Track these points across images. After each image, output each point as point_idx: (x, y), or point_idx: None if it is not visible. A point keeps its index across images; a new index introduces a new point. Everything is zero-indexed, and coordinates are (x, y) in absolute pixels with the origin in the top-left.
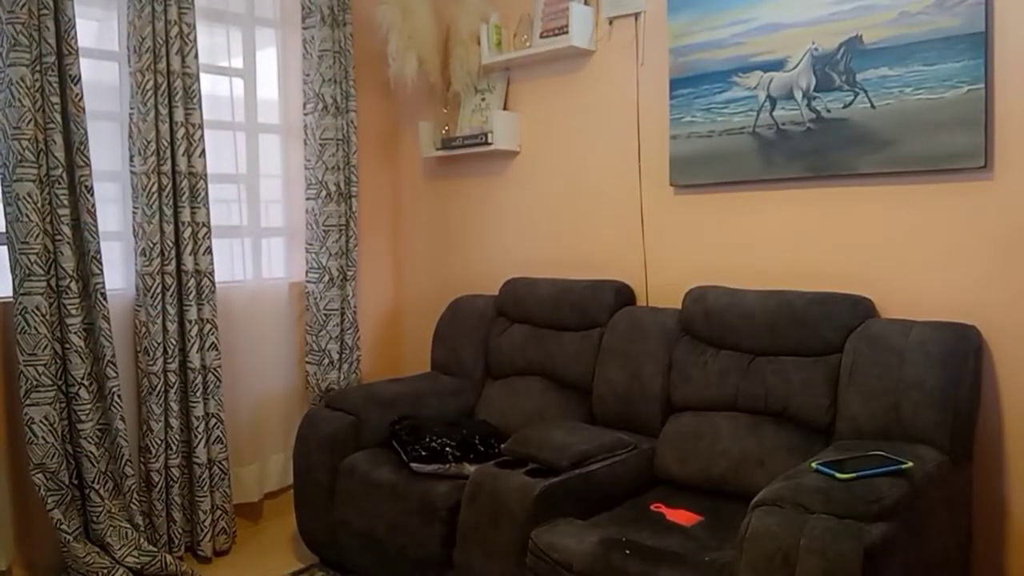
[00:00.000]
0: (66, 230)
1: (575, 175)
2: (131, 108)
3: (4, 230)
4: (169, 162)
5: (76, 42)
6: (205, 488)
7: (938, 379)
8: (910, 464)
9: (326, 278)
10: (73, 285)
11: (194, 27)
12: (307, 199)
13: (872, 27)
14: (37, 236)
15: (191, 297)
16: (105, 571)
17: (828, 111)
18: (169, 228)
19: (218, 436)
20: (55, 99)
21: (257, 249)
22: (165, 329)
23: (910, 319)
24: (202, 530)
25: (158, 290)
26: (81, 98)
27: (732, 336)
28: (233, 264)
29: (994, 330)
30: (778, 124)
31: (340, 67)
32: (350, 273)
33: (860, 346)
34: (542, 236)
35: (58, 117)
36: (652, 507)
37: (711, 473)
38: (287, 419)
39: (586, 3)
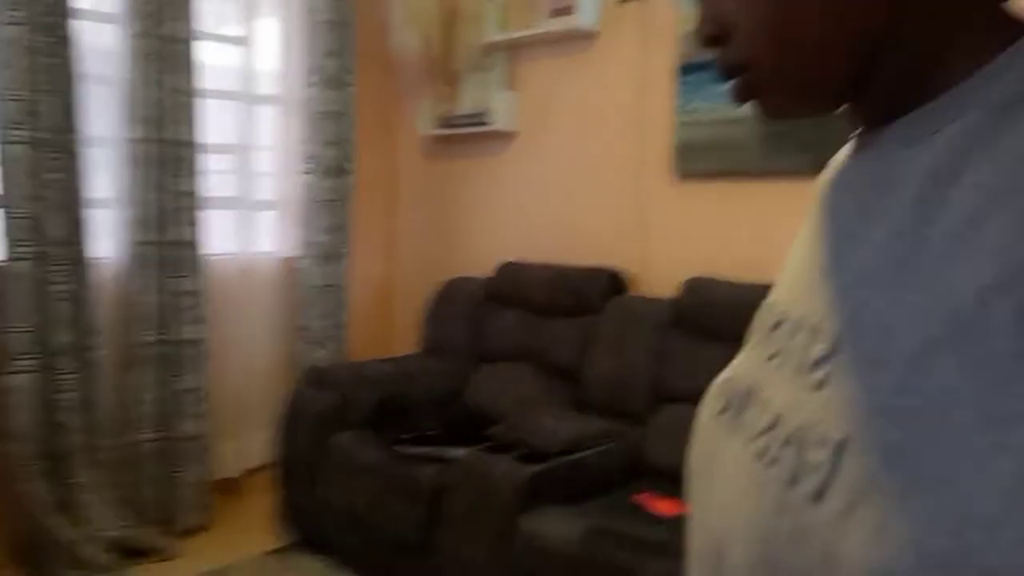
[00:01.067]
0: (54, 195)
1: (575, 158)
2: (127, 73)
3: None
4: (163, 130)
5: (73, 3)
6: (186, 462)
7: None
8: None
9: (317, 254)
10: (59, 251)
11: None
12: (302, 173)
13: None
14: (25, 199)
15: (179, 269)
16: (82, 544)
17: None
18: (160, 197)
19: (201, 410)
20: (50, 60)
21: (249, 222)
22: (152, 300)
23: None
24: (182, 505)
25: (146, 260)
26: (77, 61)
27: (730, 329)
28: (224, 237)
29: None
30: None
31: (341, 39)
32: (342, 250)
33: None
34: (539, 220)
35: (52, 79)
36: (639, 497)
37: None
38: (272, 395)
39: None
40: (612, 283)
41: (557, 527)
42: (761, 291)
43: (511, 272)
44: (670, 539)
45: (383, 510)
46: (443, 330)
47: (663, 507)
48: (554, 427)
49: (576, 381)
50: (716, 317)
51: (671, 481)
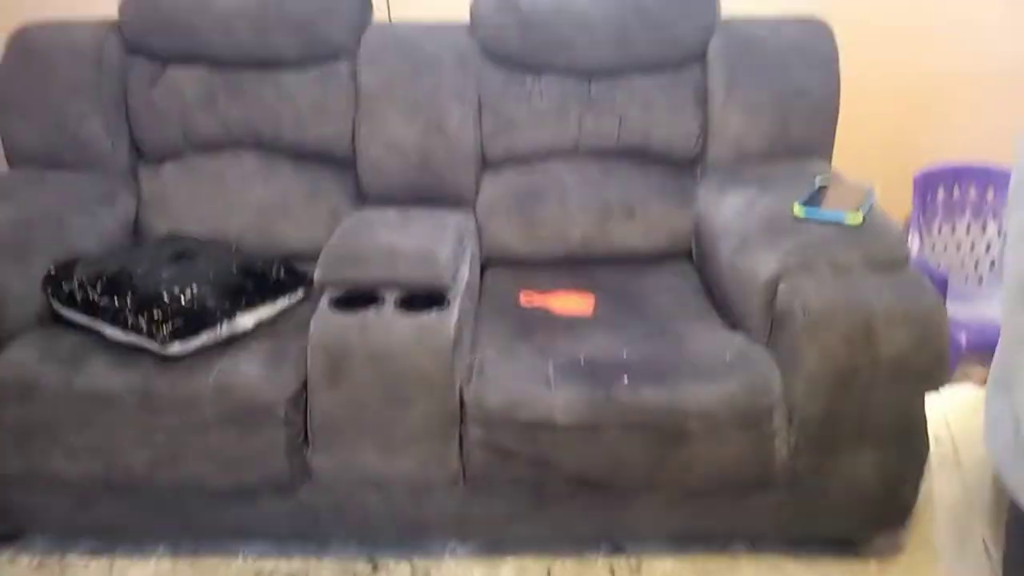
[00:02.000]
0: None
1: None
2: None
3: None
4: None
5: None
6: None
7: (822, 85)
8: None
9: None
10: None
11: None
12: None
13: None
14: None
15: None
16: None
17: None
18: None
19: None
20: None
21: None
22: None
23: (758, 16)
24: None
25: None
26: None
27: (563, 54)
28: None
29: (839, 24)
30: None
31: None
32: None
33: (734, 52)
34: None
35: None
36: (524, 301)
37: (569, 238)
38: None
39: None
40: (362, 4)
41: (523, 384)
42: None
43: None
44: (643, 349)
45: (195, 462)
46: (46, 122)
47: (568, 306)
48: (416, 245)
49: (344, 165)
50: (548, 42)
51: (536, 269)
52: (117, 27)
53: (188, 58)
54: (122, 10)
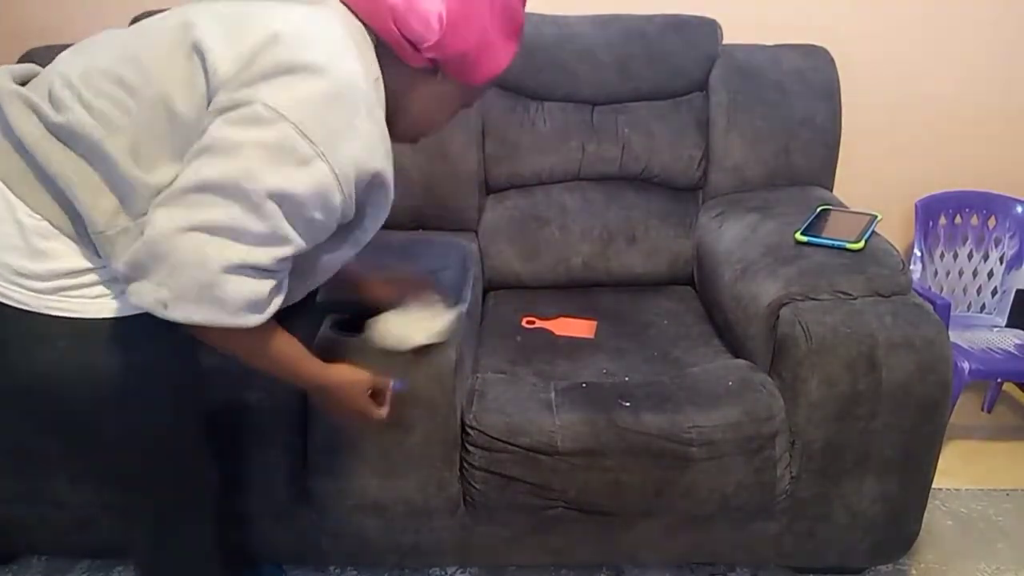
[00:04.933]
0: None
1: None
2: None
3: None
4: None
5: None
6: None
7: (824, 112)
8: (880, 216)
9: None
10: None
11: None
12: None
13: None
14: None
15: None
16: None
17: None
18: None
19: None
20: None
21: None
22: None
23: (761, 43)
24: None
25: None
26: None
27: (566, 82)
28: None
29: (841, 52)
30: None
31: None
32: None
33: (734, 80)
34: None
35: None
36: (525, 323)
37: (571, 263)
38: None
39: None
40: None
41: (522, 408)
42: (599, 25)
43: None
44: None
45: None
46: None
47: (569, 328)
48: (407, 267)
49: None
50: (552, 69)
51: (538, 292)
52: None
53: None
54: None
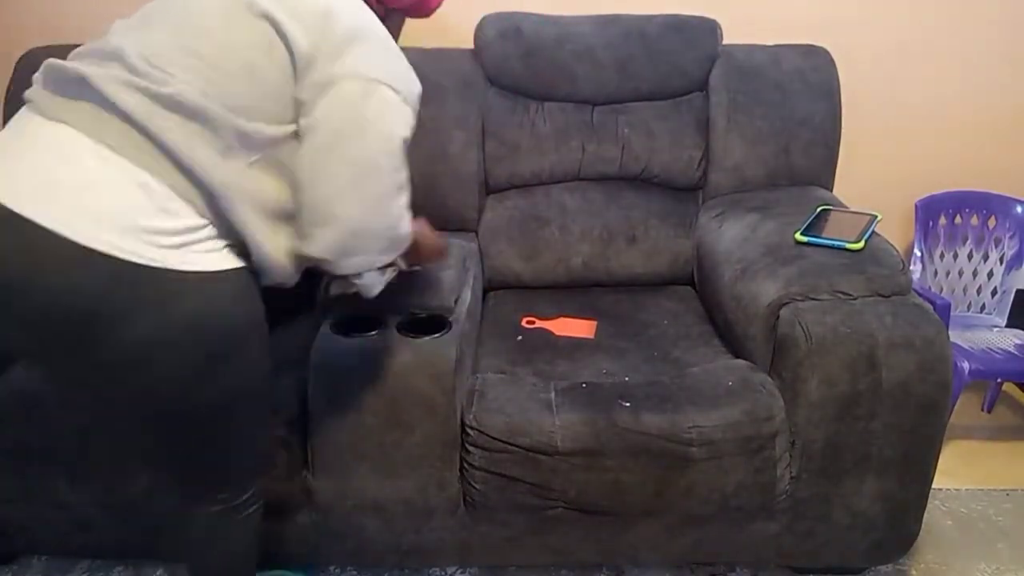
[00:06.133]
0: None
1: None
2: None
3: None
4: None
5: None
6: None
7: (823, 112)
8: (880, 215)
9: None
10: None
11: None
12: None
13: None
14: None
15: None
16: None
17: None
18: None
19: None
20: None
21: None
22: None
23: (761, 43)
24: None
25: None
26: None
27: (566, 82)
28: None
29: (841, 53)
30: None
31: None
32: None
33: (734, 80)
34: None
35: None
36: (525, 323)
37: (571, 263)
38: None
39: None
40: None
41: (522, 407)
42: (598, 26)
43: None
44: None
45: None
46: None
47: (569, 328)
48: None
49: None
50: (551, 69)
51: (539, 292)
52: None
53: None
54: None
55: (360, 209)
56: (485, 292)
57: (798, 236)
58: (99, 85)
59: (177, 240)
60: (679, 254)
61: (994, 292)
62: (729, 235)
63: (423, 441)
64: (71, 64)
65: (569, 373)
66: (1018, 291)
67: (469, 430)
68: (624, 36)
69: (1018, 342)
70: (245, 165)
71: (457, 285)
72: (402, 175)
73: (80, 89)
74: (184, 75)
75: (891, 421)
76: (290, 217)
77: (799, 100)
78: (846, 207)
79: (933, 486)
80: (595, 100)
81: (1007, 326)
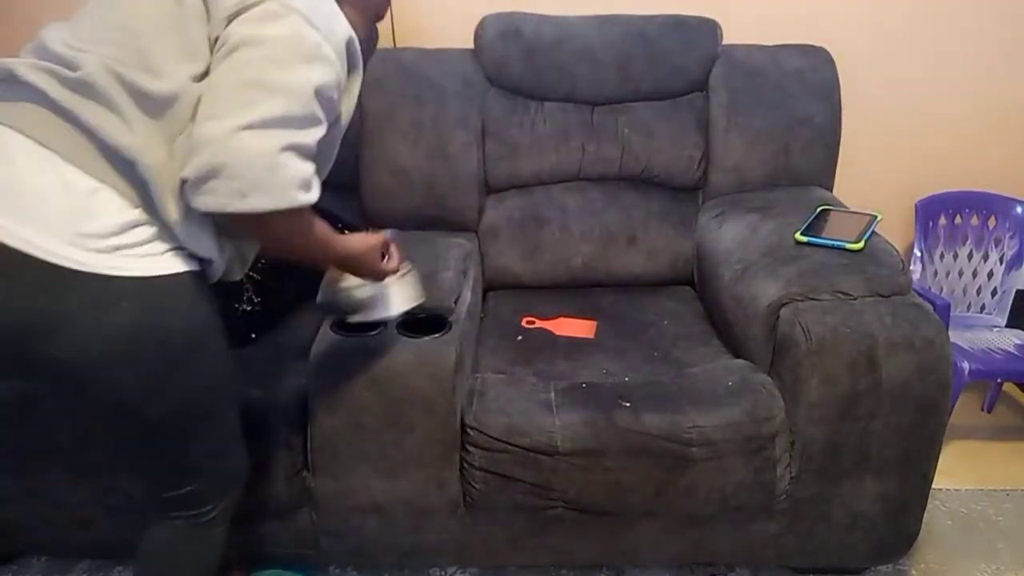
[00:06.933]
0: None
1: None
2: None
3: None
4: None
5: None
6: None
7: (823, 112)
8: (880, 216)
9: None
10: None
11: None
12: None
13: None
14: None
15: None
16: None
17: None
18: None
19: None
20: None
21: None
22: None
23: (761, 43)
24: None
25: None
26: None
27: (566, 82)
28: None
29: (841, 53)
30: None
31: None
32: None
33: (734, 80)
34: None
35: None
36: (525, 323)
37: (571, 263)
38: None
39: None
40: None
41: (522, 408)
42: (598, 26)
43: None
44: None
45: None
46: None
47: (569, 328)
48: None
49: (349, 189)
50: (551, 69)
51: (538, 292)
52: None
53: None
54: None
55: (242, 117)
56: (485, 292)
57: (798, 236)
58: (25, 76)
59: (109, 243)
60: (679, 254)
61: (994, 292)
62: (729, 235)
63: (423, 441)
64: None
65: (569, 373)
66: (1018, 291)
67: (469, 430)
68: (624, 36)
69: (1018, 342)
70: (167, 147)
71: (456, 286)
72: (301, 118)
73: (11, 87)
74: (100, 48)
75: (891, 421)
76: None
77: (799, 100)
78: (846, 207)
79: (933, 486)
80: (595, 100)
81: (1007, 326)
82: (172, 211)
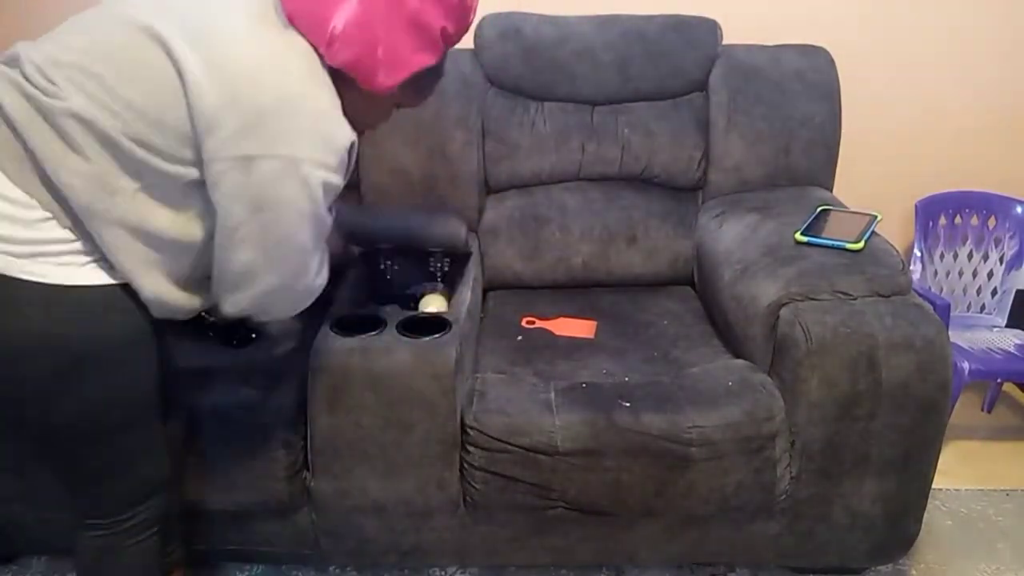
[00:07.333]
0: None
1: None
2: None
3: None
4: None
5: None
6: None
7: (823, 112)
8: (880, 216)
9: None
10: None
11: None
12: None
13: None
14: None
15: None
16: None
17: None
18: None
19: None
20: None
21: None
22: None
23: (761, 43)
24: None
25: None
26: None
27: (566, 82)
28: None
29: (841, 53)
30: None
31: None
32: None
33: (734, 80)
34: None
35: None
36: (525, 323)
37: (571, 263)
38: None
39: None
40: None
41: (521, 406)
42: (598, 26)
43: None
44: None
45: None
46: None
47: (569, 328)
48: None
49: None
50: (551, 69)
51: (539, 292)
52: None
53: None
54: None
55: (277, 276)
56: (485, 292)
57: (798, 236)
58: None
59: (28, 249)
60: (679, 254)
61: (994, 292)
62: (729, 235)
63: (423, 441)
64: None
65: (569, 373)
66: (1018, 291)
67: (469, 430)
68: (624, 36)
69: (1018, 342)
70: (131, 191)
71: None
72: (322, 229)
73: None
74: (75, 92)
75: (891, 421)
76: (183, 252)
77: (799, 100)
78: (846, 207)
79: (933, 486)
80: (595, 100)
81: (1007, 326)
82: (122, 251)
